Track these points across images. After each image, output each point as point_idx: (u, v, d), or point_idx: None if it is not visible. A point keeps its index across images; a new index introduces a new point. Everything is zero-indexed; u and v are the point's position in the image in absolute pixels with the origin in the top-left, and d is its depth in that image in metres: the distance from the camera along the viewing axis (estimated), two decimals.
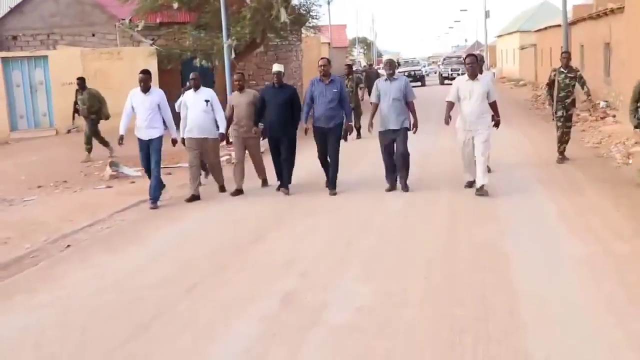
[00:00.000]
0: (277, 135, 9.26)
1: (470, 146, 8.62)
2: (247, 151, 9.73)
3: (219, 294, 5.34)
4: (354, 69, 41.82)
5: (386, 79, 9.03)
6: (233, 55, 16.47)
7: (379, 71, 31.56)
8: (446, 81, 40.93)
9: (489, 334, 4.25)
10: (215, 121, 9.45)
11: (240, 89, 9.61)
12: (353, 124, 8.94)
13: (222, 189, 9.78)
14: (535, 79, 36.69)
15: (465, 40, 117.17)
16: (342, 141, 9.43)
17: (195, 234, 7.53)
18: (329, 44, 42.85)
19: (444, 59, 45.60)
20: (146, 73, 8.97)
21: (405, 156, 8.85)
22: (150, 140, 8.92)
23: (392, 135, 8.83)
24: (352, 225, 7.38)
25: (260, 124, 9.45)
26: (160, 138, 8.96)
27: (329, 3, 24.17)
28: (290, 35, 19.04)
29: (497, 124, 8.78)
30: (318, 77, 9.08)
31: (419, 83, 39.34)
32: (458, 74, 40.60)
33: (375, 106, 9.06)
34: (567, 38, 21.09)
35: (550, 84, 10.96)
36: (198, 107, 9.31)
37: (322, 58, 9.29)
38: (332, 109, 8.91)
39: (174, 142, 9.30)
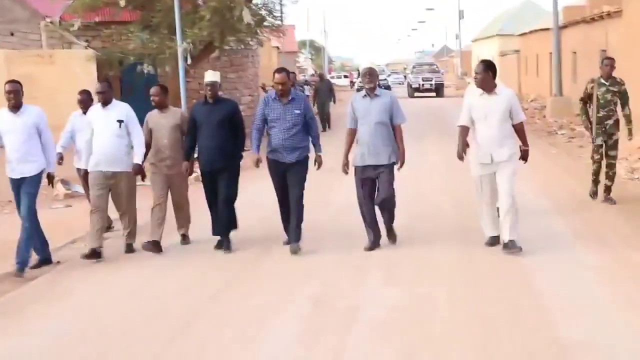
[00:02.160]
0: (213, 167, 8.43)
1: (491, 185, 7.80)
2: (169, 192, 8.76)
3: (247, 300, 6.62)
4: (304, 79, 42.43)
5: (365, 95, 8.17)
6: (189, 61, 17.66)
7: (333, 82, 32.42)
8: (417, 93, 42.67)
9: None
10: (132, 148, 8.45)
11: (161, 107, 8.67)
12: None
13: (130, 247, 8.69)
14: (519, 91, 38.80)
15: (432, 45, 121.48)
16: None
17: (199, 251, 8.71)
18: (278, 48, 44.34)
19: (414, 67, 47.07)
20: (14, 83, 7.89)
21: (391, 201, 8.15)
22: (22, 180, 7.94)
23: (374, 172, 8.06)
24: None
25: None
26: (37, 176, 7.98)
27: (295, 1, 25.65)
28: (249, 38, 20.31)
29: (524, 156, 7.89)
30: (272, 93, 8.41)
31: None
32: (431, 85, 42.69)
33: (353, 134, 8.27)
34: (558, 43, 23.06)
35: (586, 100, 10.26)
36: (108, 130, 8.35)
37: (279, 71, 8.38)
38: (294, 136, 8.24)
39: (50, 178, 8.25)
